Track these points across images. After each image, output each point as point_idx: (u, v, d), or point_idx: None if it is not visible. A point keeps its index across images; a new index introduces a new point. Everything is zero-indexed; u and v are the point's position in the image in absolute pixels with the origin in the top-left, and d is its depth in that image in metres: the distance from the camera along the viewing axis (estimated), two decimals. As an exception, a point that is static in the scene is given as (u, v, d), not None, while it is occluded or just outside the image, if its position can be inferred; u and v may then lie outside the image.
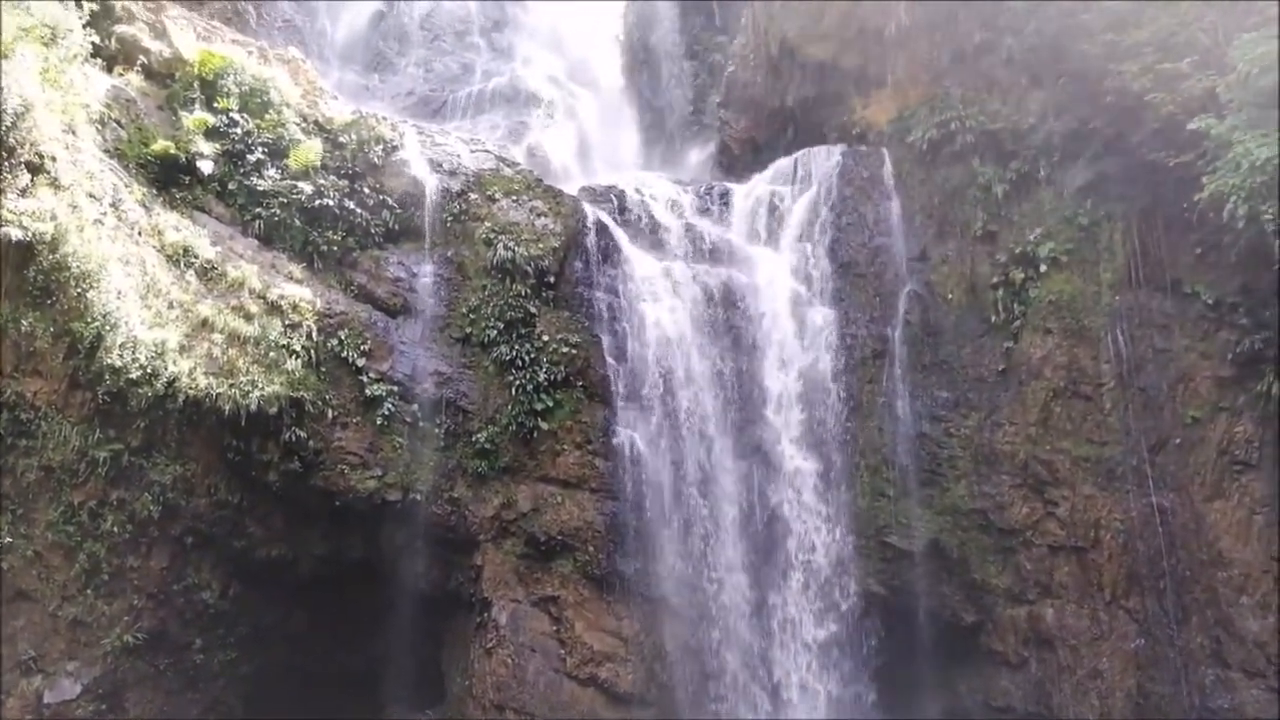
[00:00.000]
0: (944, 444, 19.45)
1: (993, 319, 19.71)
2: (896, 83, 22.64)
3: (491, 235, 19.70)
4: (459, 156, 21.26)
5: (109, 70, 18.50)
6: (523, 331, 19.15)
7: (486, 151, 22.00)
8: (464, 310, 19.31)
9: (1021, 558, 18.76)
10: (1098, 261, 19.02)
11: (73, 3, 17.36)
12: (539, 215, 20.26)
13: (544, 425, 18.64)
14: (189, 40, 19.91)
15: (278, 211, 18.70)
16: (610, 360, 19.43)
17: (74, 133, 16.23)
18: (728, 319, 20.52)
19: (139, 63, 19.02)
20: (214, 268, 17.16)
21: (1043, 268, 19.30)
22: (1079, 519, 18.39)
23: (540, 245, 19.74)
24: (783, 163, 23.09)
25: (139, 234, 16.57)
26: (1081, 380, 18.74)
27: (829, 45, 23.66)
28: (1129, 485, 18.14)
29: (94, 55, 17.90)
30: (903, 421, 19.74)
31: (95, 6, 18.48)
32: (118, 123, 17.69)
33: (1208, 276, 17.78)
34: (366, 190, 19.71)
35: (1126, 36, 17.87)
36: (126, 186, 16.86)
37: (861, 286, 20.81)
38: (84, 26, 17.34)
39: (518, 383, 18.73)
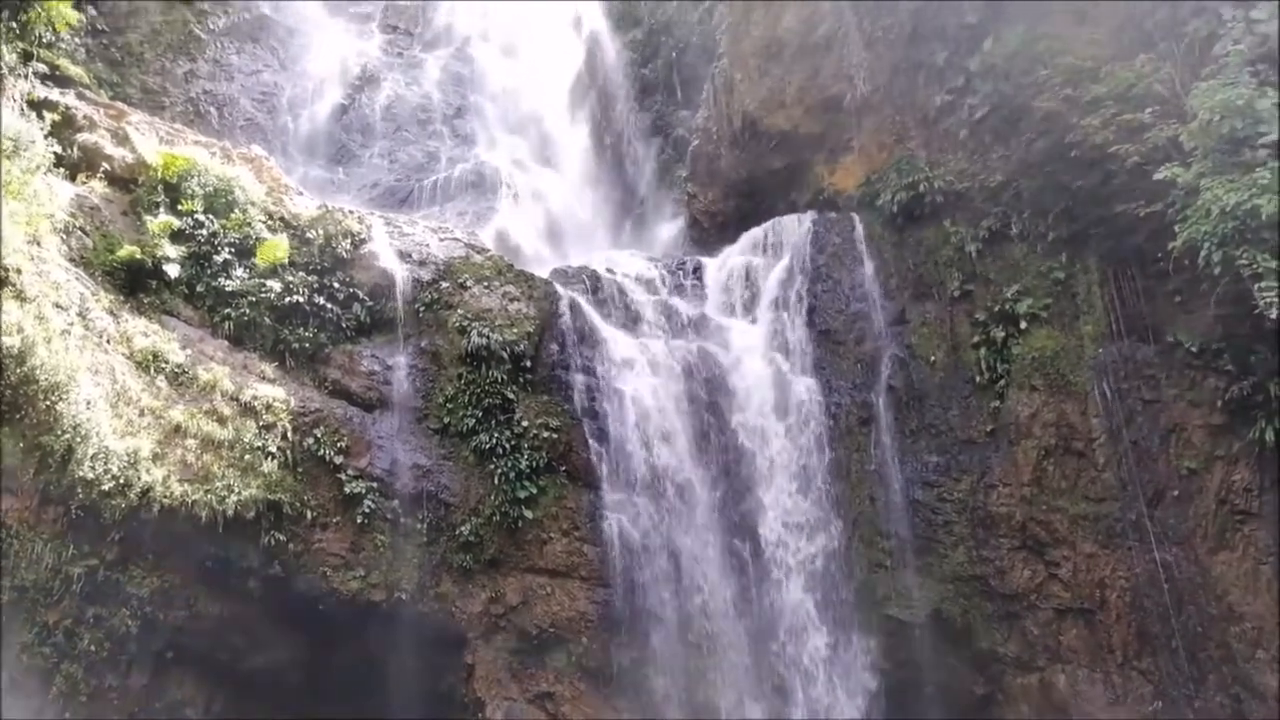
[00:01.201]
0: (938, 510, 19.65)
1: (977, 379, 20.10)
2: (862, 148, 23.38)
3: (465, 323, 20.01)
4: (428, 246, 21.67)
5: (72, 179, 18.88)
6: (501, 418, 19.36)
7: (455, 239, 22.44)
8: (441, 400, 19.52)
9: (1027, 623, 18.85)
10: (1077, 315, 19.52)
11: (34, 114, 17.79)
12: (511, 300, 20.62)
13: (528, 514, 18.73)
14: (151, 144, 20.37)
15: (247, 311, 18.97)
16: (592, 442, 19.64)
17: (39, 243, 16.52)
18: (709, 394, 20.82)
19: (102, 169, 19.43)
20: (185, 372, 17.35)
21: (1023, 324, 19.78)
22: (1083, 579, 18.53)
23: (514, 330, 20.06)
24: (754, 233, 23.68)
25: (107, 342, 16.77)
26: (1072, 436, 19.06)
27: (791, 115, 24.45)
28: (1131, 541, 18.32)
29: (57, 165, 18.30)
30: (894, 489, 19.97)
31: (56, 117, 18.94)
32: (83, 231, 18.02)
33: (1189, 324, 18.22)
34: (336, 284, 20.03)
35: (1085, 91, 18.62)
36: (93, 294, 17.12)
37: (842, 354, 21.20)
38: (46, 137, 17.76)
39: (499, 471, 18.87)
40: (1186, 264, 16.93)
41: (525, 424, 19.27)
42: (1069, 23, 19.49)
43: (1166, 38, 18.21)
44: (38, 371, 15.06)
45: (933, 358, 20.69)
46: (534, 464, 19.02)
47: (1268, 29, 16.43)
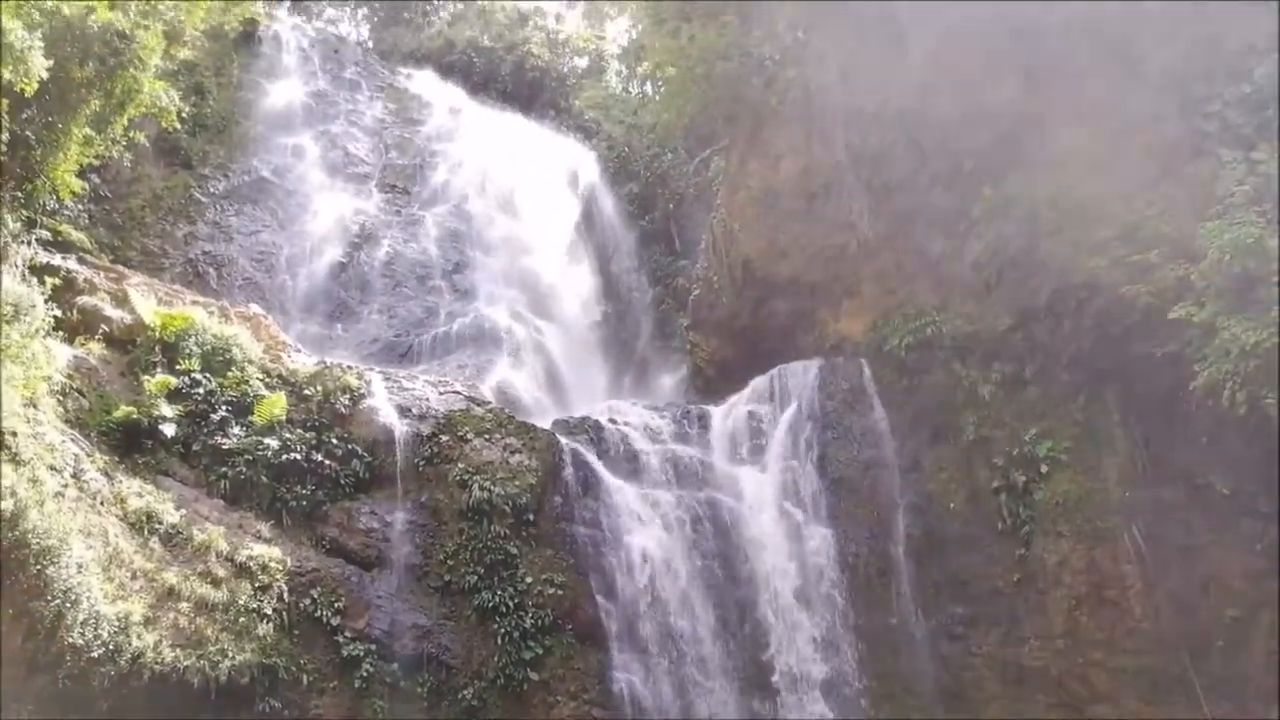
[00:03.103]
0: (967, 664, 19.28)
1: (1000, 525, 20.00)
2: (867, 293, 23.87)
3: (465, 476, 20.08)
4: (428, 400, 21.93)
5: (71, 341, 19.28)
6: (504, 574, 19.18)
7: (455, 392, 22.73)
8: (441, 557, 19.38)
9: (1071, 789, 18.22)
10: (1100, 457, 19.56)
11: (35, 279, 18.32)
12: (513, 452, 20.73)
13: (534, 676, 18.35)
14: (150, 305, 20.89)
15: (244, 469, 19.05)
16: (600, 599, 19.42)
17: (35, 406, 16.73)
18: (719, 545, 20.70)
19: (101, 331, 19.89)
20: (179, 532, 17.29)
21: (1044, 468, 19.80)
22: (1128, 740, 18.00)
23: (517, 483, 20.09)
24: (759, 381, 23.97)
25: (101, 503, 16.78)
26: (1104, 585, 18.79)
27: (792, 263, 25.03)
28: (1177, 697, 17.80)
29: (56, 327, 18.70)
30: (919, 643, 19.64)
31: (57, 281, 19.51)
32: (80, 392, 18.31)
33: (1218, 465, 18.14)
34: (334, 441, 20.19)
35: (1090, 234, 19.20)
36: (89, 456, 17.25)
37: (857, 502, 21.18)
38: (46, 301, 18.19)
39: (503, 630, 18.58)
40: (1210, 404, 17.01)
41: (529, 580, 19.09)
42: (1067, 168, 20.28)
43: (1167, 180, 18.92)
44: (30, 536, 14.99)
45: (952, 504, 20.65)
46: (539, 622, 18.74)
47: (1269, 169, 17.11)
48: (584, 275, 36.42)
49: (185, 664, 15.68)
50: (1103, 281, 18.81)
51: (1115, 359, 19.21)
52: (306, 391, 20.88)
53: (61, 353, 18.48)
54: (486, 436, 21.02)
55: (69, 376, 18.24)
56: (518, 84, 48.30)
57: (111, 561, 16.13)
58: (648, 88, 42.32)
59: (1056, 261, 19.74)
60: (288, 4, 49.36)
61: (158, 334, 20.36)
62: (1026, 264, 20.54)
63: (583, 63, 52.55)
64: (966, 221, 21.77)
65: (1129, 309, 18.47)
